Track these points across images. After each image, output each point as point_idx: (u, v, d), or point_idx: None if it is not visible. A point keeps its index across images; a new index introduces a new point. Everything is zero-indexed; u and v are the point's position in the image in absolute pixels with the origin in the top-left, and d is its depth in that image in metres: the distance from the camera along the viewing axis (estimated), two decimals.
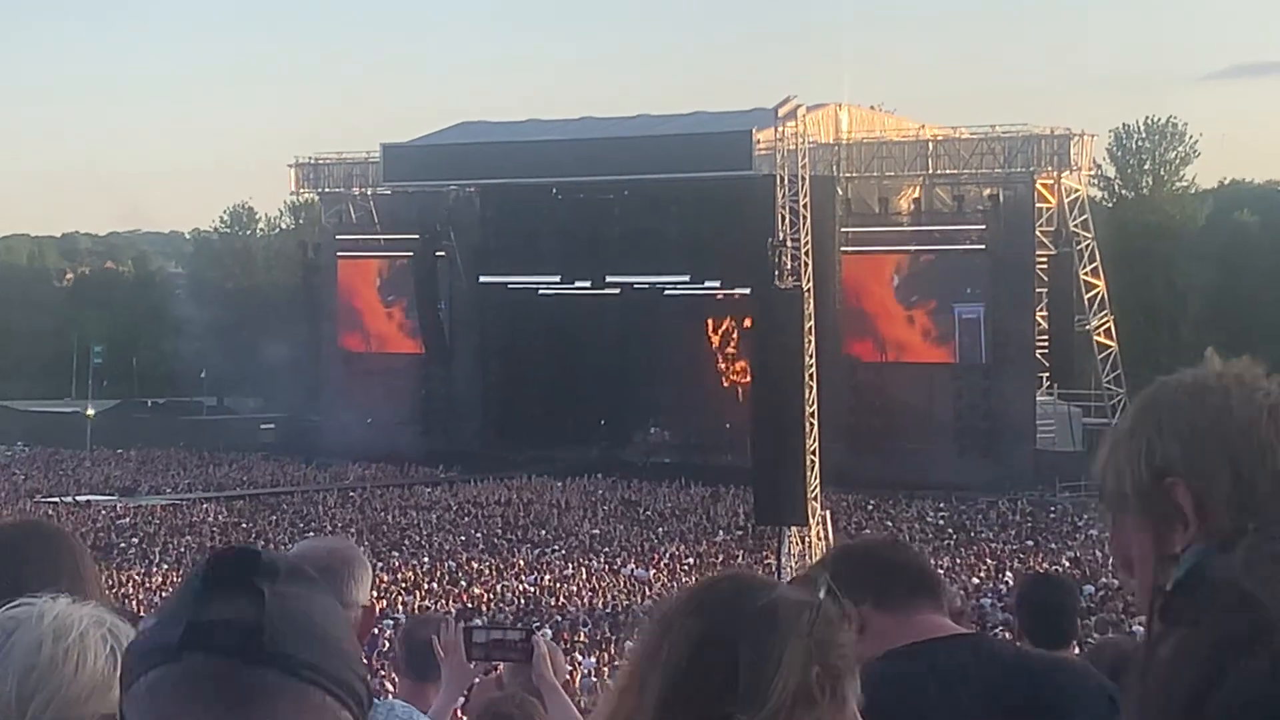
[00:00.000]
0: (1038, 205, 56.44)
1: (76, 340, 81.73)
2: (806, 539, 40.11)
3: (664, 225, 61.06)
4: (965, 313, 57.21)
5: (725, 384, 63.27)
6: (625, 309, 62.61)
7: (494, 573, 39.16)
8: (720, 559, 40.18)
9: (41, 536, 2.86)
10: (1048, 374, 56.80)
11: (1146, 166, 73.43)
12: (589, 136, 63.21)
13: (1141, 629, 2.60)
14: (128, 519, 49.21)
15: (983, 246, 56.50)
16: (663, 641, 1.85)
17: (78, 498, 54.11)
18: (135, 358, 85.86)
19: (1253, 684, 0.90)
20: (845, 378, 55.78)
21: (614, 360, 62.39)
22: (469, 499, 53.48)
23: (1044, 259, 56.02)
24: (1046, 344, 55.97)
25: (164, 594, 31.54)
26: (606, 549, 43.02)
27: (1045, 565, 35.73)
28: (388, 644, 23.27)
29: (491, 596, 35.70)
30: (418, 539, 44.80)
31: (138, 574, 38.25)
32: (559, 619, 32.24)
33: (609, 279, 62.59)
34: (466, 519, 49.27)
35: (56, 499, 53.37)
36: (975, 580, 35.58)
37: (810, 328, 42.67)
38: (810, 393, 42.46)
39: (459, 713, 5.64)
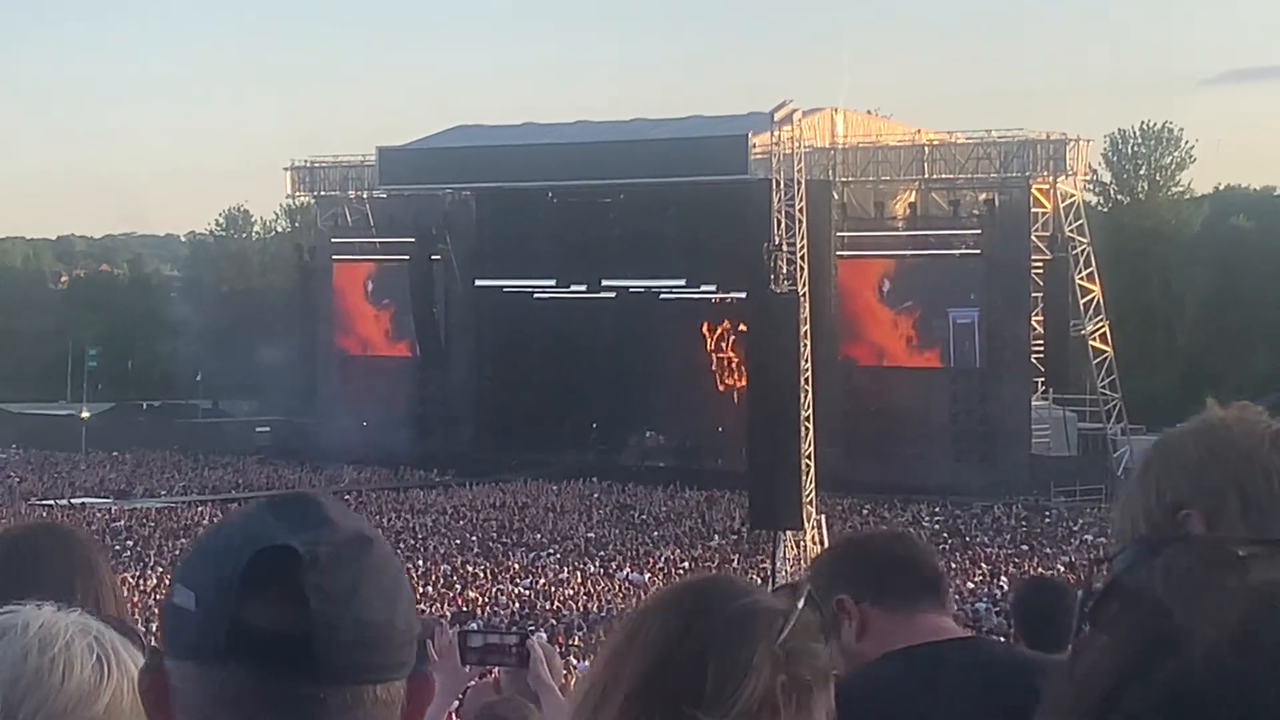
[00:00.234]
0: (1033, 210, 56.49)
1: (71, 343, 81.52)
2: (802, 543, 40.07)
3: (660, 229, 61.04)
4: (960, 317, 57.23)
5: (721, 388, 63.18)
6: (621, 313, 62.58)
7: (489, 577, 39.12)
8: (715, 563, 40.15)
9: (56, 539, 2.85)
10: (1043, 379, 56.83)
11: (1142, 171, 73.57)
12: (585, 140, 63.20)
13: None
14: (123, 522, 49.13)
15: (978, 251, 56.54)
16: (635, 639, 1.85)
17: (73, 500, 54.02)
18: (130, 360, 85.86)
19: (1151, 696, 0.91)
20: (840, 382, 55.79)
21: (609, 364, 62.36)
22: (464, 503, 53.47)
23: (1039, 264, 56.07)
24: (1042, 349, 56.01)
25: (158, 598, 31.44)
26: (601, 553, 42.99)
27: (1040, 570, 35.72)
28: None
29: (486, 600, 35.68)
30: (412, 542, 44.72)
31: (132, 577, 38.12)
32: (554, 623, 32.22)
33: (605, 283, 62.59)
34: (461, 523, 49.25)
35: (51, 502, 53.32)
36: (970, 585, 35.59)
37: (805, 332, 42.64)
38: (805, 397, 42.43)
39: (453, 716, 5.62)
